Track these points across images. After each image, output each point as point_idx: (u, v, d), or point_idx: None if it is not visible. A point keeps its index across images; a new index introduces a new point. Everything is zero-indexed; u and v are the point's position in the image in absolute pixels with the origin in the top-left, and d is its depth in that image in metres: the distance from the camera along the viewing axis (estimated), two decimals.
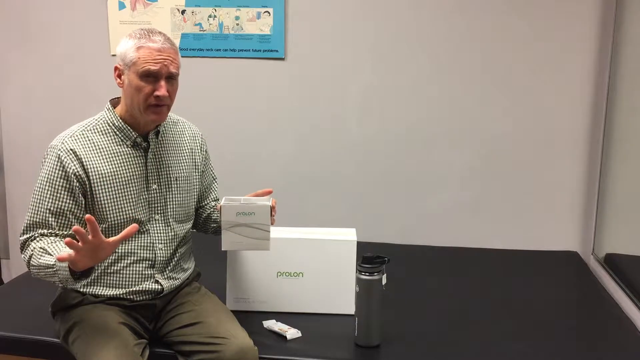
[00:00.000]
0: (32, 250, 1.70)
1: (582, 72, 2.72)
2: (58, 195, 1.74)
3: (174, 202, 1.91)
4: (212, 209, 2.07)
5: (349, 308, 2.05)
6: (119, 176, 1.80)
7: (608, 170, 2.60)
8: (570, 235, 2.85)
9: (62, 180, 1.74)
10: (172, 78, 1.78)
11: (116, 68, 1.79)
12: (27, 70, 3.09)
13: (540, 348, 1.91)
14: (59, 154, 1.75)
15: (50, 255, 1.65)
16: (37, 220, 1.74)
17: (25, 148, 3.16)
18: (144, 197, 1.85)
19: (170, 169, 1.90)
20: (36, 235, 1.73)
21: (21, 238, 1.75)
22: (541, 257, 2.74)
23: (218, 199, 2.12)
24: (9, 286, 2.43)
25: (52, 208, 1.74)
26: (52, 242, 1.70)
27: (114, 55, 2.96)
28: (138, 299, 1.85)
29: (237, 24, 2.89)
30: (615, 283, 2.39)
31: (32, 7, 3.03)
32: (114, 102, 1.86)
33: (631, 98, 2.40)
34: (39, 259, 1.66)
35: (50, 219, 1.74)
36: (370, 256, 1.87)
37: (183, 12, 2.91)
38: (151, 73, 1.73)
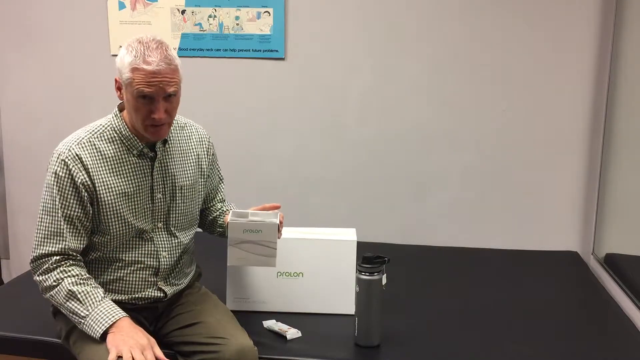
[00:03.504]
0: (56, 282, 1.68)
1: (582, 72, 2.72)
2: (67, 203, 1.71)
3: (177, 212, 1.88)
4: (218, 212, 2.04)
5: (349, 308, 2.05)
6: (125, 187, 1.77)
7: (608, 170, 2.60)
8: (570, 235, 2.85)
9: (70, 188, 1.71)
10: (170, 96, 1.71)
11: (116, 80, 1.73)
12: (27, 70, 3.09)
13: (540, 348, 1.91)
14: (66, 161, 1.71)
15: (82, 303, 1.66)
16: (53, 229, 1.71)
17: (25, 148, 3.16)
18: (148, 206, 1.82)
19: (175, 178, 1.86)
20: (52, 254, 1.70)
21: (34, 253, 1.72)
22: (541, 257, 2.74)
23: (224, 200, 2.11)
24: (9, 286, 2.42)
25: (64, 215, 1.71)
26: (79, 284, 1.69)
27: (114, 55, 2.96)
28: (141, 303, 1.85)
29: (237, 24, 2.89)
30: (615, 283, 2.39)
31: (32, 7, 3.02)
32: (122, 107, 1.81)
33: (631, 98, 2.40)
34: (66, 302, 1.68)
35: (64, 227, 1.71)
36: (370, 256, 1.87)
37: (183, 12, 2.91)
38: (146, 95, 1.67)
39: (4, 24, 3.07)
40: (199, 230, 2.07)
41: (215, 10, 2.89)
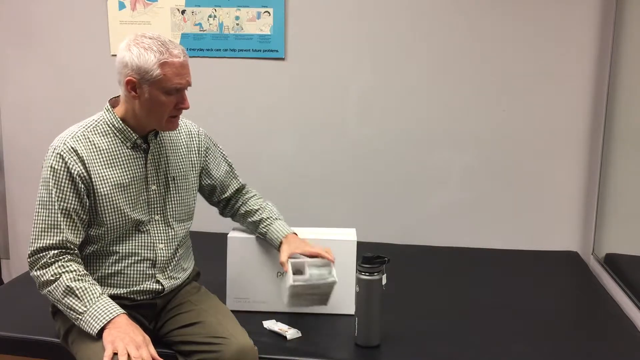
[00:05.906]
0: (54, 276, 1.68)
1: (582, 72, 2.71)
2: (64, 196, 1.72)
3: (173, 202, 1.90)
4: (251, 207, 2.07)
5: (349, 308, 2.05)
6: (120, 178, 1.79)
7: (608, 170, 2.60)
8: (570, 235, 2.85)
9: (67, 181, 1.72)
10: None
11: (129, 81, 1.71)
12: (27, 70, 3.09)
13: (540, 348, 1.91)
14: (62, 154, 1.73)
15: (80, 300, 1.66)
16: (50, 222, 1.71)
17: (25, 148, 3.16)
18: (144, 198, 1.84)
19: (168, 168, 1.89)
20: (50, 247, 1.71)
21: (32, 247, 1.72)
22: (541, 257, 2.74)
23: (245, 186, 2.12)
24: (9, 286, 2.43)
25: (61, 208, 1.72)
26: (77, 280, 1.69)
27: (114, 55, 2.95)
28: (139, 298, 1.86)
29: (237, 24, 2.89)
30: (615, 283, 2.39)
31: (33, 7, 3.03)
32: (113, 102, 1.84)
33: (631, 98, 2.40)
34: (64, 298, 1.68)
35: (61, 219, 1.71)
36: (370, 256, 1.88)
37: (183, 12, 2.91)
38: (179, 89, 1.74)
39: (4, 24, 3.07)
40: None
41: (215, 10, 2.89)
